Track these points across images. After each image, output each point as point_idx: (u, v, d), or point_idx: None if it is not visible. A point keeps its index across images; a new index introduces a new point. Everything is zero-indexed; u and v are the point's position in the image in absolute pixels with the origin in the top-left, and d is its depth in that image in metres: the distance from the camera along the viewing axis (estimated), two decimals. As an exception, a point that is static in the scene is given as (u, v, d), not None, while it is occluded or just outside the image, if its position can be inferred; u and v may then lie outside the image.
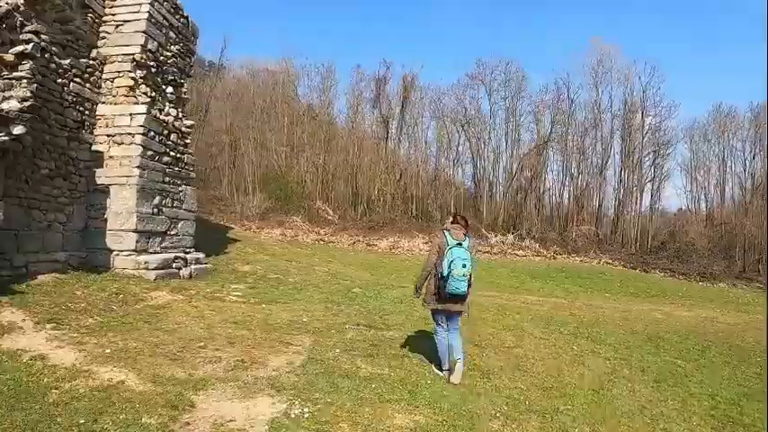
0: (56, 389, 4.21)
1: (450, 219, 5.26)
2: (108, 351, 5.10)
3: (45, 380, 4.37)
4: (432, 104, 36.32)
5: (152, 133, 8.78)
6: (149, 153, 8.70)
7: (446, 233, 5.02)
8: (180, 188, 9.60)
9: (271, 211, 25.48)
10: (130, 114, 8.57)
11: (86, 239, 8.26)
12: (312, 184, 29.97)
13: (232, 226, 19.92)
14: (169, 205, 9.26)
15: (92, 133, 8.48)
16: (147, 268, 8.24)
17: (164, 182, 9.09)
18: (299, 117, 32.77)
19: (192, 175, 10.08)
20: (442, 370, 5.20)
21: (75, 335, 5.46)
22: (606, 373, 6.32)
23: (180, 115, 9.84)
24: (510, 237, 29.57)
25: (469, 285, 4.92)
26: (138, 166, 8.43)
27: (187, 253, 9.70)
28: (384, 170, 32.10)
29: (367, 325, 7.62)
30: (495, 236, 29.33)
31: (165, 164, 9.13)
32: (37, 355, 4.87)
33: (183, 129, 9.77)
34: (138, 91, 8.74)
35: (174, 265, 8.90)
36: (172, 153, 9.33)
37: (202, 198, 29.68)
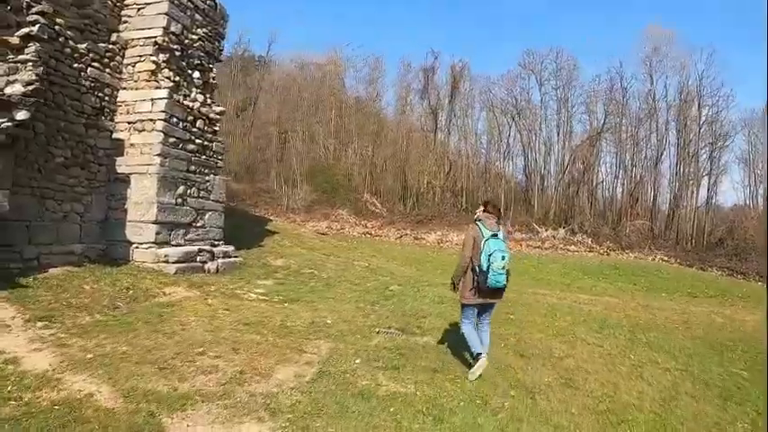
0: (14, 400, 3.51)
1: (481, 208, 4.90)
2: (90, 356, 4.39)
3: (8, 389, 3.71)
4: (481, 95, 34.84)
5: (175, 119, 8.20)
6: (172, 140, 8.13)
7: (479, 224, 4.68)
8: (207, 178, 9.01)
9: (317, 203, 25.02)
10: (152, 100, 8.02)
11: (106, 231, 7.80)
12: (359, 177, 29.17)
13: (272, 218, 19.51)
14: (195, 195, 8.68)
15: (112, 120, 8.01)
16: (166, 262, 7.66)
17: (188, 171, 8.52)
18: (347, 109, 32.12)
19: (221, 164, 9.47)
20: (479, 355, 4.68)
21: (63, 335, 4.82)
22: (667, 388, 5.26)
23: (208, 101, 9.25)
24: (561, 231, 27.74)
25: (508, 278, 4.60)
26: (159, 154, 7.87)
27: (215, 246, 9.10)
28: (433, 162, 30.86)
29: (399, 328, 6.59)
30: (546, 230, 27.60)
31: (189, 152, 8.55)
32: (11, 358, 4.23)
33: (212, 115, 9.17)
34: (160, 75, 8.18)
35: (198, 258, 8.30)
36: (198, 140, 8.74)
37: (248, 190, 30.20)
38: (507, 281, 4.59)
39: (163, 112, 7.94)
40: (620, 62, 38.76)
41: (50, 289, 6.06)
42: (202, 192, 8.87)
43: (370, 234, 22.70)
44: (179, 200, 8.27)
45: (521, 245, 25.34)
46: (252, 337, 5.49)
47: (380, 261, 14.70)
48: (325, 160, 29.63)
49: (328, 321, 6.50)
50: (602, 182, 33.65)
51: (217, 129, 9.32)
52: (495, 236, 4.56)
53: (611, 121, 32.87)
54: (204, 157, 8.93)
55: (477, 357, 4.67)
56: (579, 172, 32.69)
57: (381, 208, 27.01)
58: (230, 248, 9.41)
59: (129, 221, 7.78)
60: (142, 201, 7.78)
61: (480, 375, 4.61)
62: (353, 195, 27.65)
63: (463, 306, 4.80)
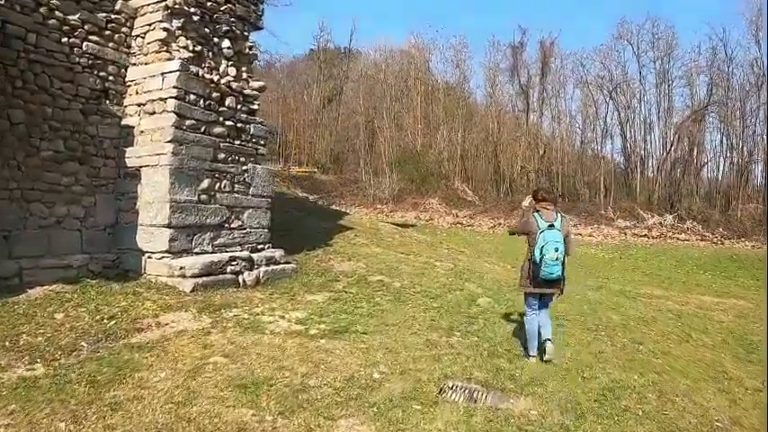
0: None
1: (531, 197, 4.72)
2: None
3: None
4: (574, 71, 30.37)
5: (192, 96, 6.31)
6: (189, 122, 6.25)
7: (536, 215, 4.48)
8: (244, 167, 7.06)
9: (405, 192, 22.90)
10: (162, 74, 6.18)
11: (117, 237, 6.16)
12: (450, 164, 26.45)
13: (351, 211, 17.61)
14: (227, 190, 6.78)
15: (120, 104, 6.38)
16: (183, 276, 5.77)
17: (216, 160, 6.61)
18: (434, 94, 29.53)
19: (263, 150, 7.45)
20: (529, 356, 4.59)
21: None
22: None
23: (243, 75, 7.29)
24: (669, 217, 23.48)
25: (563, 269, 4.43)
26: (171, 140, 6.03)
27: (257, 251, 7.16)
28: (526, 146, 27.18)
29: (482, 381, 3.96)
30: (652, 216, 23.42)
31: (216, 136, 6.63)
32: None
33: (247, 91, 7.18)
34: (174, 45, 6.33)
35: (228, 268, 6.37)
36: (228, 122, 6.81)
37: (335, 182, 29.06)
38: (563, 272, 4.46)
39: (175, 88, 6.05)
40: (723, 28, 32.01)
41: (12, 320, 4.48)
42: (238, 185, 6.94)
43: (461, 224, 20.26)
44: (203, 196, 6.41)
45: (624, 233, 21.93)
46: (239, 414, 3.23)
47: (469, 259, 11.80)
48: (414, 148, 27.32)
49: (375, 375, 4.01)
50: (709, 162, 27.87)
51: (255, 107, 7.31)
52: (551, 226, 4.36)
53: (715, 94, 26.94)
54: (239, 142, 6.97)
55: (528, 357, 4.58)
56: (684, 151, 27.77)
57: (473, 196, 24.25)
58: (278, 253, 7.40)
59: (141, 225, 6.06)
60: (153, 200, 6.02)
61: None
62: (443, 183, 25.20)
63: (525, 295, 4.75)
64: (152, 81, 6.17)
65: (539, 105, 30.27)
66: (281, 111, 31.64)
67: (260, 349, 4.37)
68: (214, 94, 6.53)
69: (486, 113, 29.08)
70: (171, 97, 5.98)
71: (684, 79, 28.99)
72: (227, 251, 6.60)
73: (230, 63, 7.03)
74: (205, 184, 6.34)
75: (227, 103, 6.75)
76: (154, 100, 6.10)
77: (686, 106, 28.79)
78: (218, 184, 6.53)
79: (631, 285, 13.20)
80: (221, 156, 6.61)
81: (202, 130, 6.34)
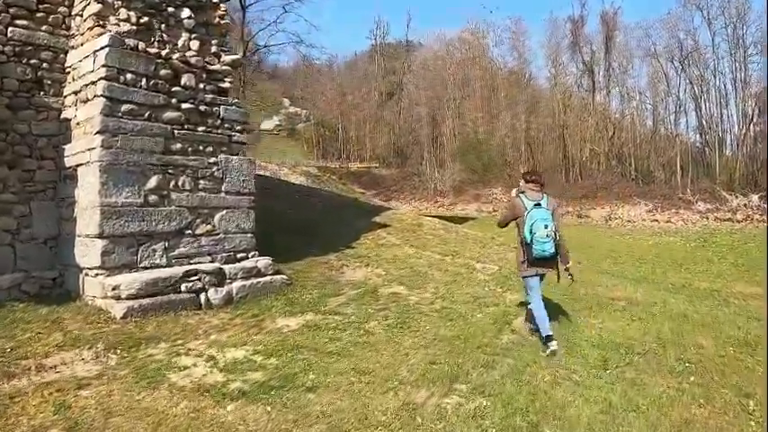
0: None
1: (522, 180, 4.54)
2: None
3: None
4: (640, 44, 27.18)
5: (130, 76, 5.16)
6: (126, 108, 5.10)
7: (522, 196, 4.41)
8: (212, 159, 5.80)
9: (467, 183, 20.98)
10: (94, 53, 5.14)
11: (60, 251, 5.15)
12: (513, 151, 24.07)
13: (392, 207, 15.91)
14: (187, 188, 5.57)
15: (59, 95, 5.51)
16: (117, 297, 4.74)
17: (169, 151, 5.41)
18: (495, 80, 27.35)
19: (239, 137, 6.14)
20: (550, 340, 4.20)
21: None
22: None
23: (213, 49, 6.04)
24: (754, 198, 20.46)
25: (559, 246, 4.30)
26: (100, 131, 4.92)
27: (236, 260, 5.92)
28: (594, 127, 24.16)
29: None
30: (736, 197, 20.48)
31: (168, 122, 5.41)
32: None
33: (214, 67, 5.94)
34: (111, 19, 5.23)
35: (183, 286, 5.18)
36: (186, 105, 5.58)
37: (395, 176, 27.57)
38: (557, 249, 4.30)
39: (104, 67, 4.90)
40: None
41: None
42: (204, 181, 5.71)
43: None
44: (152, 197, 5.25)
45: (706, 218, 19.23)
46: None
47: None
48: (476, 136, 25.14)
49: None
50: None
51: (225, 86, 6.02)
52: (537, 205, 4.31)
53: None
54: (203, 129, 5.73)
55: (547, 341, 4.21)
56: (766, 124, 23.85)
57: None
58: (262, 262, 6.07)
59: (78, 236, 5.04)
60: (87, 204, 4.99)
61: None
62: (507, 172, 22.96)
63: (524, 278, 4.53)
64: (86, 63, 5.12)
65: (605, 83, 27.27)
66: (341, 108, 31.33)
67: (125, 420, 2.99)
68: (163, 72, 5.35)
69: (551, 96, 26.43)
70: (101, 78, 4.91)
71: (760, 45, 24.56)
72: (190, 263, 5.42)
73: (193, 36, 5.79)
74: (153, 181, 5.18)
75: (183, 82, 5.53)
76: (87, 85, 5.07)
77: (762, 75, 24.28)
78: (173, 182, 5.34)
79: (721, 282, 9.96)
80: (176, 146, 5.41)
81: (146, 116, 5.18)
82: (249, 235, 6.09)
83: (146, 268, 5.00)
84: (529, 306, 4.57)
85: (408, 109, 29.87)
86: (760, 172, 22.03)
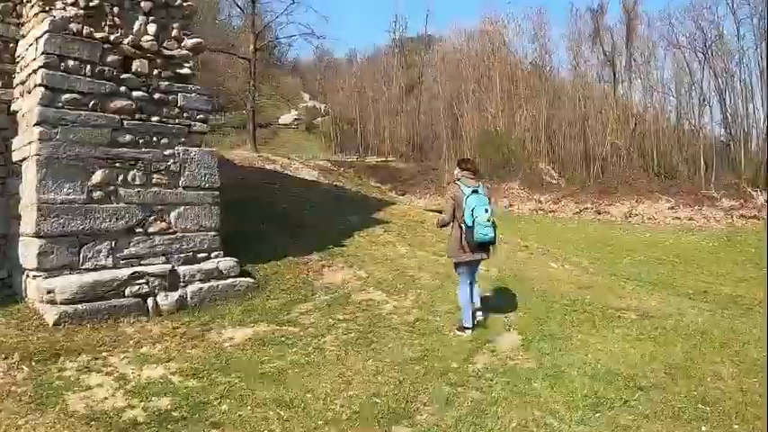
0: None
1: (458, 168, 4.70)
2: None
3: None
4: (663, 35, 26.20)
5: (73, 63, 4.82)
6: (68, 98, 4.72)
7: (459, 183, 4.51)
8: (167, 151, 5.39)
9: (484, 178, 20.29)
10: (36, 40, 4.89)
11: (10, 250, 5.08)
12: (533, 144, 23.33)
13: (397, 201, 15.33)
14: (138, 183, 5.19)
15: (9, 87, 5.26)
16: (52, 301, 4.49)
17: (116, 143, 4.99)
18: (516, 72, 26.50)
19: (200, 127, 5.71)
20: (464, 329, 4.54)
21: None
22: None
23: (174, 32, 5.61)
24: None
25: (495, 231, 4.41)
26: (38, 122, 4.58)
27: (196, 261, 5.55)
28: (615, 120, 23.20)
29: None
30: (762, 193, 19.30)
31: (116, 112, 4.98)
32: None
33: (174, 52, 5.51)
34: (58, 3, 4.90)
35: (128, 289, 4.83)
36: (138, 92, 5.17)
37: (413, 170, 26.89)
38: (495, 234, 4.40)
39: (44, 54, 4.59)
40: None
41: None
42: (158, 175, 5.34)
43: (543, 210, 17.69)
44: (97, 193, 4.92)
45: (730, 215, 18.07)
46: None
47: (531, 256, 8.72)
48: (495, 129, 24.35)
49: None
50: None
51: (185, 72, 5.60)
52: (475, 191, 4.39)
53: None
54: (157, 118, 5.35)
55: (461, 330, 4.52)
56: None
57: (559, 178, 21.06)
58: (224, 264, 5.67)
59: (21, 235, 4.89)
60: (27, 201, 4.77)
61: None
62: (526, 166, 22.19)
63: (456, 265, 4.64)
64: (30, 52, 4.80)
65: (627, 74, 26.10)
66: (359, 102, 31.07)
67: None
68: (110, 58, 5.01)
69: (572, 88, 25.47)
70: (40, 67, 4.61)
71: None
72: (141, 264, 5.09)
73: (150, 19, 5.41)
74: (98, 176, 4.86)
75: (134, 69, 5.17)
76: (30, 74, 4.78)
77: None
78: (121, 176, 5.01)
79: (745, 287, 8.94)
80: (125, 138, 5.07)
81: (91, 105, 4.85)
82: (212, 233, 5.71)
83: (89, 270, 4.69)
84: (457, 294, 4.68)
85: (428, 102, 29.36)
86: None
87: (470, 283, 4.64)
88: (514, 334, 4.69)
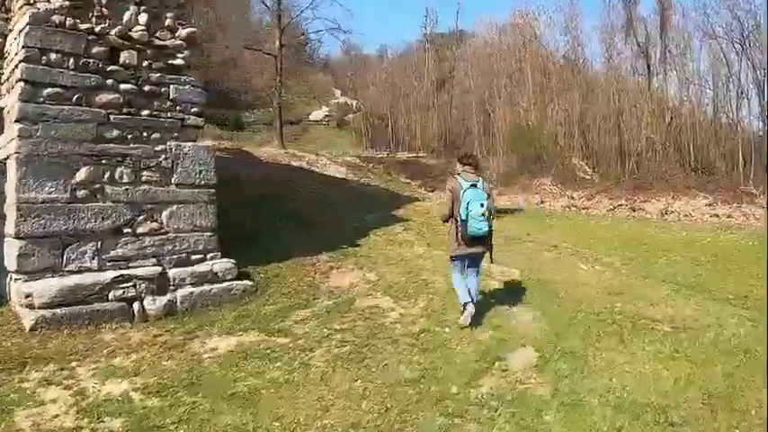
0: None
1: (459, 163, 4.69)
2: None
3: None
4: (698, 25, 24.20)
5: (55, 56, 4.58)
6: (50, 92, 4.46)
7: (458, 177, 4.52)
8: (159, 147, 5.13)
9: (516, 173, 19.50)
10: (19, 33, 4.69)
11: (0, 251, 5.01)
12: (566, 139, 22.28)
13: (424, 197, 14.72)
14: (127, 180, 4.93)
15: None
16: (30, 305, 4.30)
17: (102, 139, 4.74)
18: (546, 65, 25.43)
19: (193, 120, 5.39)
20: (464, 306, 4.52)
21: None
22: None
23: (168, 22, 5.36)
24: None
25: (490, 226, 4.44)
26: (19, 119, 4.36)
27: (189, 263, 5.25)
28: (650, 114, 21.78)
29: None
30: None
31: (103, 106, 4.74)
32: None
33: (167, 42, 5.25)
34: (43, -8, 4.81)
35: (111, 293, 4.60)
36: (126, 85, 4.88)
37: (442, 166, 26.05)
38: (490, 228, 4.43)
39: (25, 48, 4.40)
40: None
41: None
42: (148, 172, 5.07)
43: (576, 207, 16.73)
44: (82, 192, 4.70)
45: None
46: None
47: (560, 256, 7.89)
48: (527, 123, 23.50)
49: None
50: None
51: (179, 63, 5.30)
52: (473, 185, 4.40)
53: None
54: (147, 112, 5.07)
55: (464, 306, 4.53)
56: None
57: (592, 174, 19.96)
58: (220, 266, 5.35)
59: (5, 236, 4.76)
60: (9, 201, 4.60)
61: (471, 323, 4.45)
62: (559, 161, 21.18)
63: (451, 258, 4.69)
64: (14, 46, 4.72)
65: (661, 65, 24.48)
66: (391, 97, 30.66)
67: None
68: (96, 50, 4.78)
69: (606, 81, 24.17)
70: (21, 61, 4.42)
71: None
72: (129, 266, 4.86)
73: (141, 9, 5.16)
74: (83, 174, 4.65)
75: (122, 60, 4.94)
76: (13, 69, 4.66)
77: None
78: (108, 174, 4.78)
79: None
80: (113, 133, 4.84)
81: (75, 99, 4.64)
82: (208, 234, 5.43)
83: (73, 272, 4.49)
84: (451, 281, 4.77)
85: (459, 97, 28.74)
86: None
87: (475, 276, 4.72)
88: (530, 350, 4.11)
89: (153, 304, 4.68)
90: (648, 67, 24.57)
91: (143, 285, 4.67)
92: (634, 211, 16.72)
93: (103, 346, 3.95)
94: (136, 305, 4.59)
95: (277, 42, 19.58)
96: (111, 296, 4.48)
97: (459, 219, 4.39)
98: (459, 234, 4.40)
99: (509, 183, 19.06)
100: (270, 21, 22.80)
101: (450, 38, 33.64)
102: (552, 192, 17.98)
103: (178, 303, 4.85)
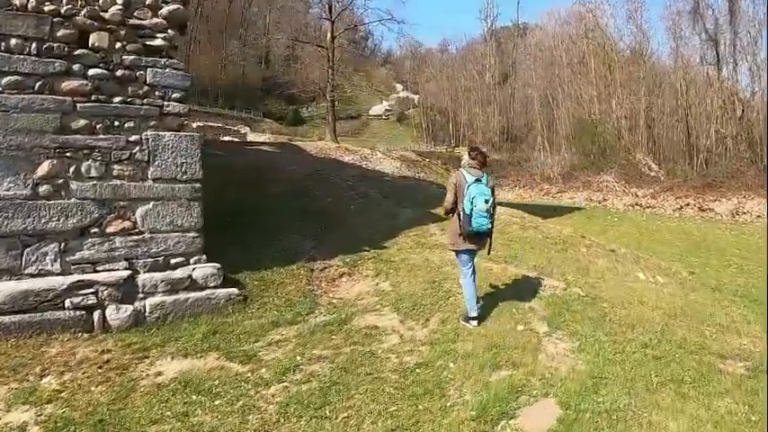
0: None
1: (466, 155, 4.69)
2: None
3: None
4: None
5: (15, 42, 3.99)
6: (8, 81, 3.88)
7: (463, 171, 4.48)
8: (133, 137, 4.57)
9: (578, 169, 18.40)
10: None
11: None
12: (630, 133, 20.89)
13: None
14: (95, 174, 4.42)
15: None
16: None
17: (68, 130, 4.25)
18: (611, 57, 23.91)
19: (175, 107, 4.83)
20: (469, 320, 4.41)
21: None
22: None
23: (149, 1, 4.94)
24: None
25: (492, 222, 4.38)
26: None
27: (168, 267, 4.75)
28: (720, 107, 19.91)
29: None
30: None
31: (68, 93, 4.33)
32: None
33: (141, 22, 4.76)
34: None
35: (67, 301, 4.21)
36: (95, 70, 4.37)
37: (503, 161, 24.30)
38: (492, 225, 4.37)
39: (-25, 29, 4.18)
40: None
41: None
42: (120, 166, 4.59)
43: (640, 205, 15.79)
44: (44, 187, 4.28)
45: None
46: None
47: (614, 266, 6.32)
48: (590, 117, 21.62)
49: None
50: None
51: (158, 43, 4.78)
52: (478, 181, 4.36)
53: None
54: (119, 99, 4.59)
55: (468, 320, 4.42)
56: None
57: (658, 170, 18.80)
58: (200, 272, 4.78)
59: None
60: None
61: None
62: (623, 157, 20.00)
63: (456, 253, 4.62)
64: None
65: (731, 55, 22.45)
66: (452, 92, 29.94)
67: None
68: (61, 33, 4.36)
69: (672, 72, 22.43)
70: (-28, 44, 4.15)
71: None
72: (96, 270, 4.46)
73: (114, -15, 4.78)
74: (45, 168, 4.26)
75: (91, 43, 4.53)
76: (-24, 56, 4.43)
77: None
78: (73, 168, 4.38)
79: None
80: (79, 123, 4.42)
81: (37, 87, 4.24)
82: (191, 234, 4.88)
83: (33, 276, 4.13)
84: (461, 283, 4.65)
85: (521, 91, 27.48)
86: None
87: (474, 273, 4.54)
88: (552, 403, 3.04)
89: (116, 314, 4.20)
90: (717, 56, 22.10)
91: (106, 292, 4.21)
92: (702, 210, 15.56)
93: (43, 361, 3.50)
94: (96, 314, 4.14)
95: (329, 35, 19.29)
96: (67, 304, 4.05)
97: (462, 213, 4.32)
98: (463, 228, 4.33)
99: (571, 178, 17.76)
100: (321, 13, 22.65)
101: (512, 31, 32.42)
102: (615, 189, 16.90)
103: (147, 313, 4.34)
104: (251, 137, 25.71)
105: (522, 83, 29.17)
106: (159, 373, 3.46)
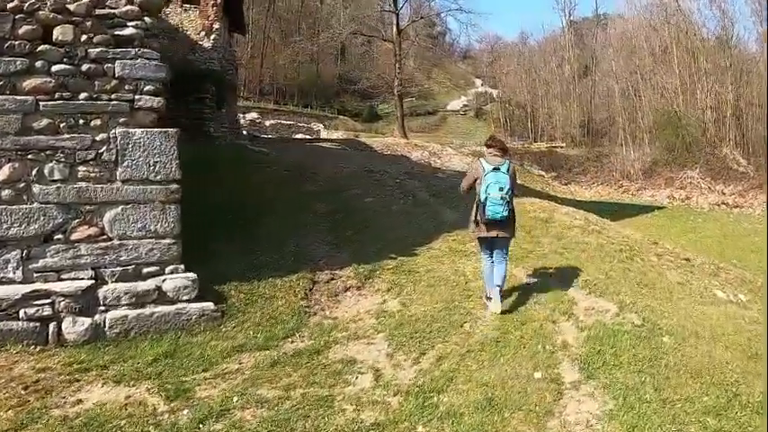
0: None
1: (486, 145, 4.88)
2: None
3: None
4: None
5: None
6: None
7: (481, 161, 4.64)
8: (100, 136, 4.17)
9: (659, 165, 16.72)
10: None
11: None
12: (716, 126, 18.96)
13: (547, 191, 11.59)
14: (57, 177, 4.12)
15: None
16: None
17: (30, 131, 3.96)
18: (694, 44, 21.55)
19: (147, 101, 4.34)
20: (489, 299, 4.57)
21: None
22: None
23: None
24: None
25: (511, 210, 4.43)
26: None
27: (138, 277, 4.31)
28: None
29: None
30: None
31: (30, 92, 4.06)
32: None
33: (111, 11, 4.40)
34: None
35: (23, 312, 3.90)
36: (60, 66, 4.03)
37: (581, 157, 21.66)
38: (509, 213, 4.41)
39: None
40: None
41: None
42: (86, 167, 4.20)
43: (726, 204, 14.54)
44: (5, 192, 3.89)
45: None
46: None
47: (695, 278, 4.75)
48: (674, 110, 18.88)
49: None
50: None
51: (129, 32, 4.38)
52: (496, 169, 4.45)
53: None
54: (86, 95, 4.22)
55: (487, 298, 4.58)
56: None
57: (747, 166, 16.99)
58: (172, 283, 4.26)
59: None
60: None
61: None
62: (709, 151, 18.21)
63: (479, 241, 4.73)
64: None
65: None
66: (530, 85, 28.14)
67: None
68: (23, 30, 4.13)
69: (761, 60, 19.18)
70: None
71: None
72: (61, 278, 4.19)
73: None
74: (6, 172, 4.01)
75: (55, 37, 4.29)
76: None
77: None
78: (35, 170, 4.12)
79: None
80: (41, 123, 4.16)
81: (-10, 86, 4.13)
82: (166, 241, 4.47)
83: (-4, 285, 4.01)
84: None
85: (601, 83, 25.71)
86: None
87: (501, 262, 4.56)
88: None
89: (72, 327, 3.89)
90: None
91: (63, 303, 3.92)
92: (789, 217, 12.59)
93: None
94: (52, 327, 3.88)
95: (394, 28, 18.65)
96: (21, 314, 3.83)
97: (479, 201, 4.44)
98: (478, 216, 4.47)
99: (652, 175, 15.99)
100: (385, 5, 22.06)
101: (592, 22, 30.24)
102: (699, 186, 15.29)
103: (106, 328, 3.99)
104: (324, 134, 26.02)
105: (601, 75, 27.36)
106: (79, 402, 3.02)
